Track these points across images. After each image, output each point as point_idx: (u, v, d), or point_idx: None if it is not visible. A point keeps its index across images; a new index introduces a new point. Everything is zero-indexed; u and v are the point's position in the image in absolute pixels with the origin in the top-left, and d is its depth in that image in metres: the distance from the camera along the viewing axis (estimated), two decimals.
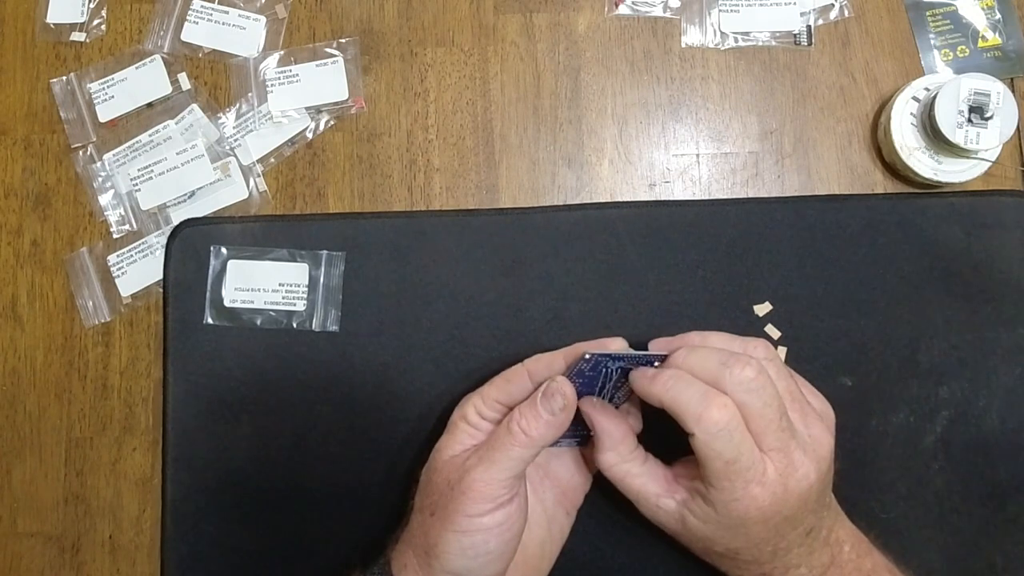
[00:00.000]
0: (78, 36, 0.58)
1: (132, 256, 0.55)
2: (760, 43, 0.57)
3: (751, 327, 0.51)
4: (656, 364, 0.42)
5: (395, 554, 0.43)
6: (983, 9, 0.56)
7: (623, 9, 0.57)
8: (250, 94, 0.57)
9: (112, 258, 0.55)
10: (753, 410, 0.39)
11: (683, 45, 0.57)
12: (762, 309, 0.51)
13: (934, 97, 0.51)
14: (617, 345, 0.43)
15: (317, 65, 0.57)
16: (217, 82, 0.57)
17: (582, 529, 0.50)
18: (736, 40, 0.57)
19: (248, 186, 0.56)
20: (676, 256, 0.52)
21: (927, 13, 0.57)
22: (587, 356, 0.40)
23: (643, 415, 0.45)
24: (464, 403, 0.44)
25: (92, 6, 0.58)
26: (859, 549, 0.43)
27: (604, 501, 0.50)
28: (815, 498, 0.40)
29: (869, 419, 0.50)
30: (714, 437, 0.38)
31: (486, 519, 0.40)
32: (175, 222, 0.55)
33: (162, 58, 0.57)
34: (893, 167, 0.55)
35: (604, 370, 0.42)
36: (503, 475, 0.40)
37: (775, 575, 0.42)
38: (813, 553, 0.42)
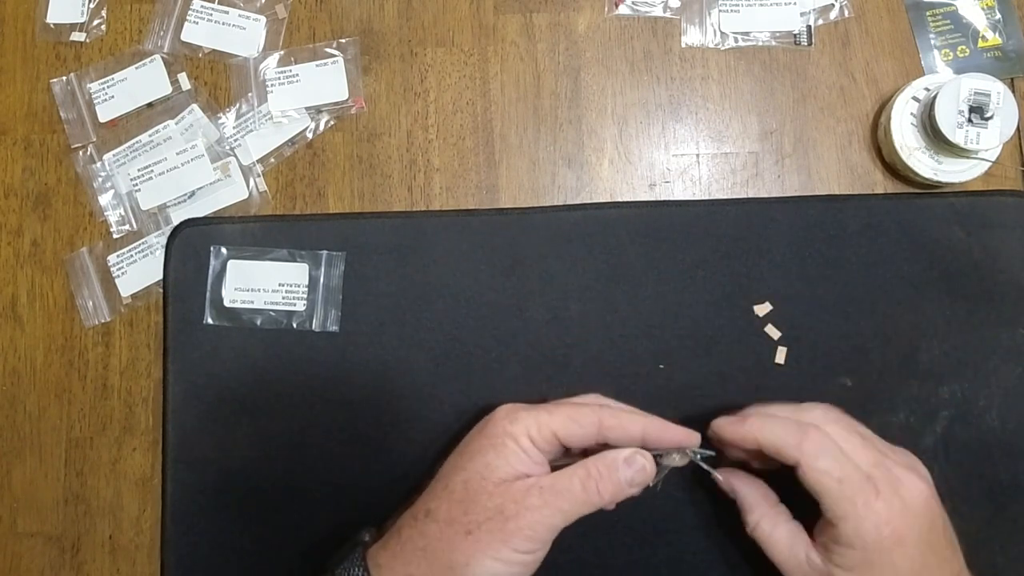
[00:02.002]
0: (78, 36, 0.58)
1: (132, 256, 0.55)
2: (760, 43, 0.57)
3: (751, 327, 0.51)
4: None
5: (380, 555, 0.42)
6: (983, 9, 0.56)
7: (623, 9, 0.57)
8: (250, 94, 0.57)
9: (112, 258, 0.55)
10: (840, 438, 0.41)
11: (683, 45, 0.57)
12: (762, 309, 0.51)
13: (934, 97, 0.51)
14: (693, 441, 0.44)
15: (317, 65, 0.57)
16: (217, 82, 0.57)
17: (582, 530, 0.50)
18: (736, 40, 0.57)
19: (248, 186, 0.56)
20: (676, 256, 0.52)
21: (927, 13, 0.57)
22: (684, 455, 0.43)
23: None
24: (513, 418, 0.43)
25: (92, 6, 0.58)
26: None
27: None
28: (941, 524, 0.41)
29: (869, 419, 0.50)
30: (818, 458, 0.40)
31: (530, 556, 0.40)
32: (175, 222, 0.55)
33: (162, 58, 0.57)
34: (893, 167, 0.55)
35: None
36: (562, 524, 0.41)
37: None
38: None
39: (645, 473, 0.42)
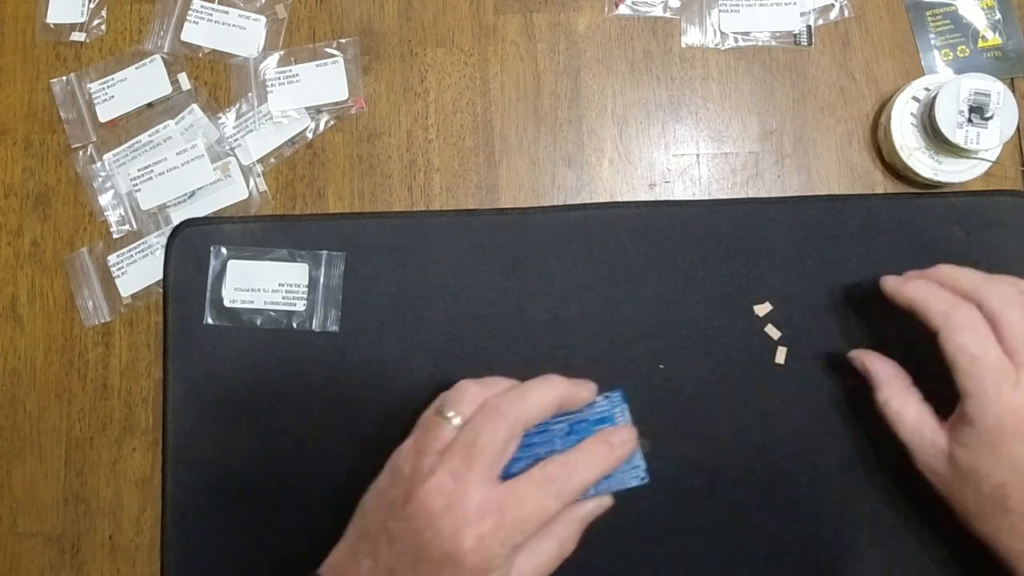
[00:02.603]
0: (78, 36, 0.58)
1: (132, 256, 0.55)
2: (760, 43, 0.57)
3: (751, 327, 0.51)
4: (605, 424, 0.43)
5: None
6: (983, 9, 0.56)
7: (623, 9, 0.57)
8: (250, 94, 0.57)
9: (112, 258, 0.55)
10: (1008, 322, 0.40)
11: (683, 45, 0.57)
12: (762, 309, 0.51)
13: (934, 97, 0.51)
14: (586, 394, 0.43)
15: (317, 65, 0.57)
16: (217, 82, 0.57)
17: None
18: (736, 40, 0.57)
19: (248, 186, 0.56)
20: (676, 256, 0.52)
21: (927, 13, 0.57)
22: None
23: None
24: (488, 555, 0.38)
25: (92, 6, 0.58)
26: None
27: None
28: None
29: (869, 419, 0.50)
30: (958, 330, 0.41)
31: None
32: (175, 222, 0.55)
33: (162, 58, 0.57)
34: (893, 167, 0.55)
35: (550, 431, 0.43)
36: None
37: None
38: None
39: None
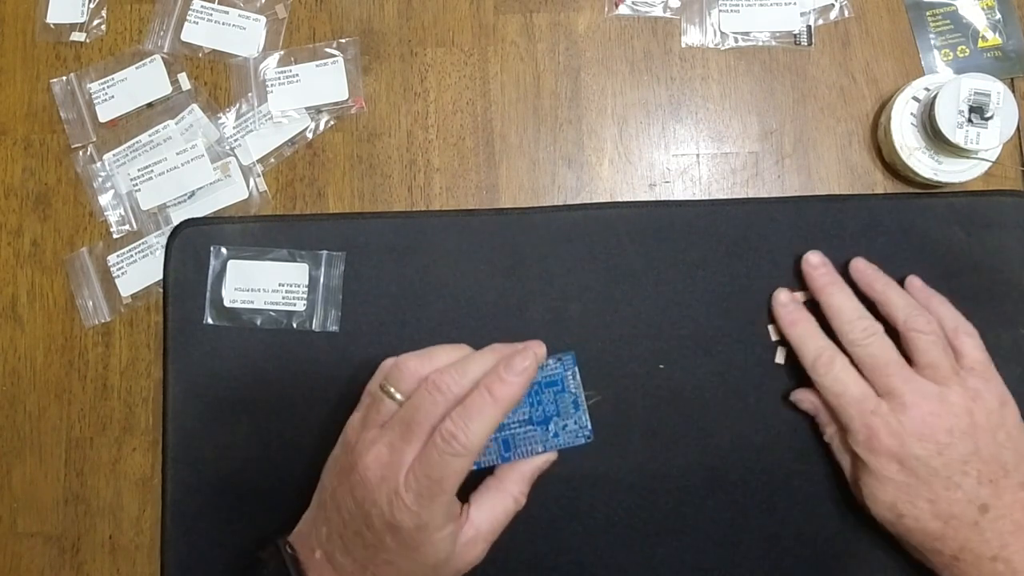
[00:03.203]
0: (78, 36, 0.58)
1: (132, 256, 0.55)
2: (760, 43, 0.57)
3: (751, 327, 0.51)
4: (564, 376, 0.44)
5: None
6: (983, 9, 0.56)
7: (623, 9, 0.57)
8: (250, 94, 0.57)
9: (112, 258, 0.55)
10: (863, 358, 0.46)
11: (683, 45, 0.57)
12: (799, 297, 0.51)
13: (934, 97, 0.51)
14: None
15: (317, 65, 0.57)
16: (217, 82, 0.57)
17: (582, 529, 0.50)
18: (736, 40, 0.57)
19: (248, 186, 0.56)
20: (676, 256, 0.52)
21: (927, 13, 0.57)
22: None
23: None
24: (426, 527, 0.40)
25: (92, 6, 0.58)
26: None
27: (604, 505, 0.50)
28: (960, 456, 0.42)
29: None
30: (822, 376, 0.46)
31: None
32: (175, 222, 0.55)
33: (162, 58, 0.57)
34: (893, 167, 0.55)
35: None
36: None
37: (966, 562, 0.42)
38: (1008, 547, 0.41)
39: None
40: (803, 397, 0.49)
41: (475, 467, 0.43)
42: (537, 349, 0.42)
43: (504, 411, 0.40)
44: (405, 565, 0.40)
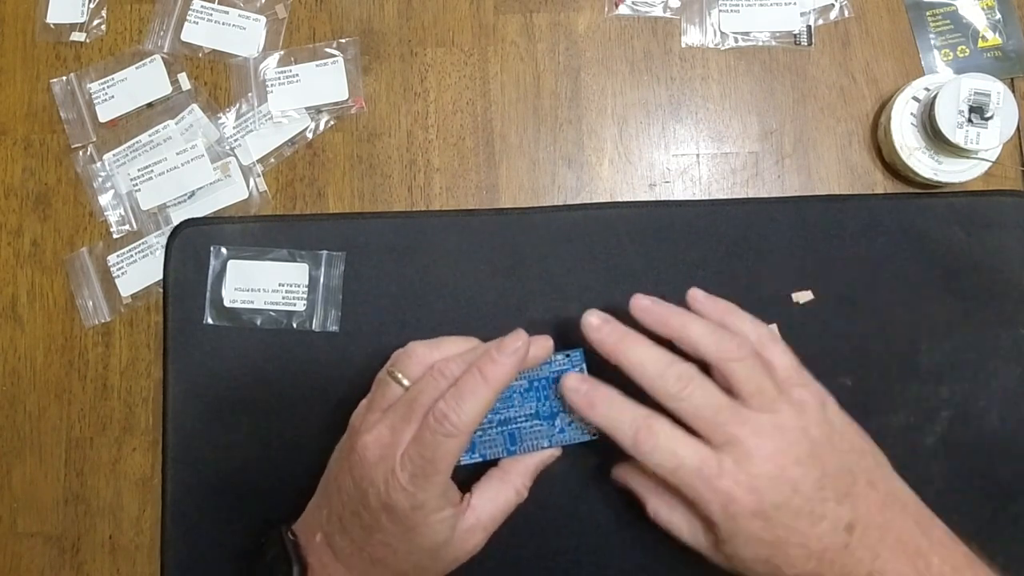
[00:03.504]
0: (78, 36, 0.58)
1: (132, 256, 0.55)
2: (760, 43, 0.57)
3: None
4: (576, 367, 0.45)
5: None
6: (983, 9, 0.56)
7: (623, 9, 0.57)
8: (250, 94, 0.57)
9: (112, 258, 0.55)
10: (689, 413, 0.40)
11: (683, 45, 0.57)
12: (803, 296, 0.51)
13: (934, 97, 0.51)
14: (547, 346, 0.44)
15: (317, 65, 0.57)
16: (217, 82, 0.57)
17: (581, 530, 0.50)
18: (736, 40, 0.57)
19: (248, 186, 0.56)
20: (676, 256, 0.52)
21: (927, 13, 0.57)
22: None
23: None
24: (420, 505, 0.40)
25: (92, 6, 0.58)
26: (954, 562, 0.40)
27: (603, 504, 0.50)
28: (814, 480, 0.39)
29: (869, 419, 0.50)
30: (647, 454, 0.40)
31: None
32: (175, 222, 0.55)
33: (162, 58, 0.57)
34: (893, 167, 0.55)
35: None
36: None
37: None
38: (879, 557, 0.39)
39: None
40: (627, 477, 0.44)
41: (481, 459, 0.44)
42: (544, 342, 0.43)
43: (495, 391, 0.40)
44: (402, 547, 0.40)
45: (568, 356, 0.45)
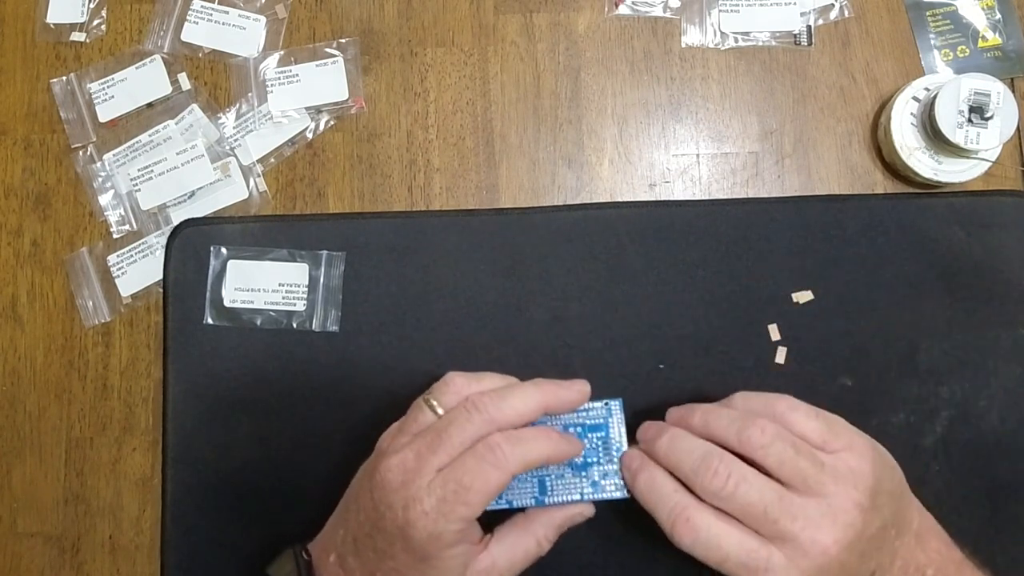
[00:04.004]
0: (78, 36, 0.58)
1: (132, 256, 0.55)
2: (760, 43, 0.57)
3: (751, 327, 0.51)
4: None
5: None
6: (983, 9, 0.56)
7: (623, 9, 0.57)
8: (250, 94, 0.57)
9: (112, 258, 0.55)
10: (736, 511, 0.38)
11: (683, 45, 0.57)
12: (803, 296, 0.51)
13: (934, 97, 0.51)
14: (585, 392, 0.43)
15: (317, 65, 0.57)
16: (217, 82, 0.57)
17: (581, 530, 0.50)
18: (736, 40, 0.57)
19: (248, 186, 0.56)
20: (676, 256, 0.52)
21: (927, 13, 0.57)
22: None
23: None
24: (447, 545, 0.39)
25: (92, 6, 0.58)
26: (945, 572, 0.40)
27: (604, 505, 0.50)
28: (857, 557, 0.38)
29: (869, 419, 0.50)
30: (690, 548, 0.38)
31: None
32: (175, 222, 0.55)
33: (162, 58, 0.57)
34: (893, 167, 0.55)
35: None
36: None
37: None
38: None
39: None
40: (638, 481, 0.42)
41: (507, 505, 0.42)
42: (581, 387, 0.42)
43: (544, 461, 0.40)
44: (410, 574, 0.39)
45: (607, 405, 0.43)
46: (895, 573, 0.40)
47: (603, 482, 0.43)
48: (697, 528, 0.38)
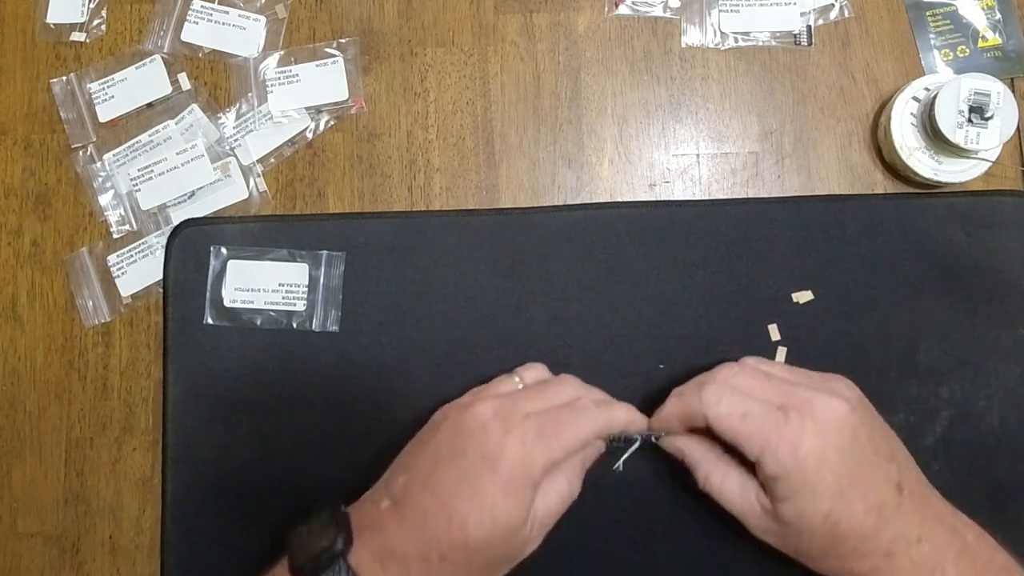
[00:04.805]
0: (78, 36, 0.58)
1: (132, 256, 0.55)
2: (760, 43, 0.57)
3: (751, 327, 0.51)
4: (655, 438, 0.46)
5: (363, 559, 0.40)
6: (983, 9, 0.56)
7: (623, 9, 0.57)
8: (250, 94, 0.57)
9: (112, 258, 0.55)
10: (743, 384, 0.42)
11: (683, 45, 0.57)
12: (803, 296, 0.51)
13: (934, 97, 0.51)
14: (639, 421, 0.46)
15: (317, 65, 0.57)
16: (217, 82, 0.57)
17: (582, 530, 0.50)
18: (736, 40, 0.57)
19: (248, 186, 0.56)
20: (676, 256, 0.52)
21: (927, 13, 0.57)
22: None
23: None
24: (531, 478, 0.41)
25: (92, 6, 0.58)
26: (986, 542, 0.41)
27: (604, 505, 0.50)
28: (867, 436, 0.41)
29: None
30: (718, 404, 0.42)
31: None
32: (175, 222, 0.55)
33: (162, 58, 0.57)
34: (893, 167, 0.55)
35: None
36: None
37: (898, 553, 0.40)
38: (926, 522, 0.40)
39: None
40: (679, 444, 0.45)
41: None
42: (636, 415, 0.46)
43: (622, 427, 0.44)
44: (488, 504, 0.39)
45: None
46: (931, 518, 0.41)
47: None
48: (723, 389, 0.42)
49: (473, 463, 0.40)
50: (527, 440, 0.40)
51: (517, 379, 0.46)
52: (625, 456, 0.46)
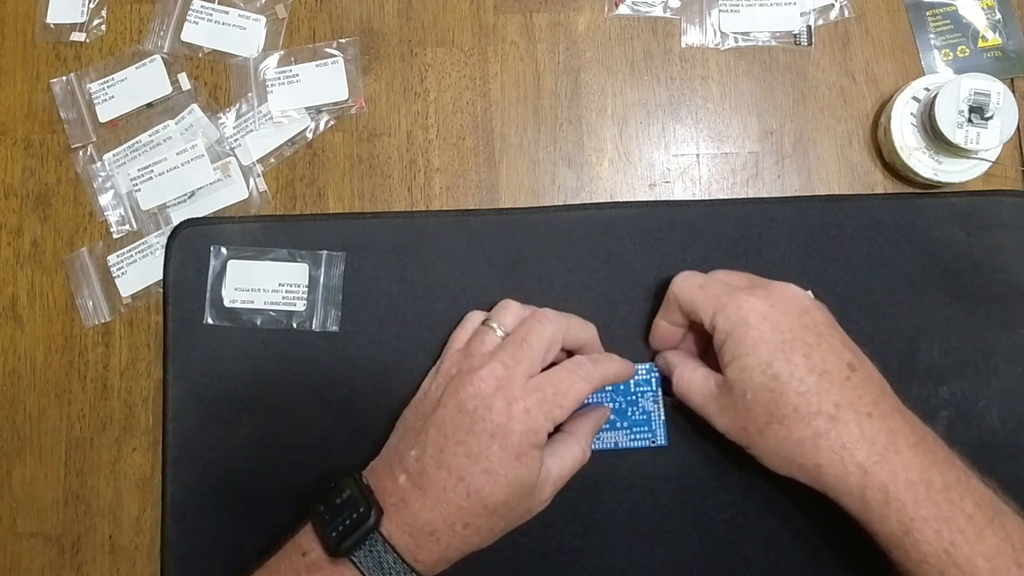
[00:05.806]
0: (78, 36, 0.58)
1: (132, 256, 0.55)
2: (760, 43, 0.57)
3: None
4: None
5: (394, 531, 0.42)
6: (983, 9, 0.56)
7: (623, 9, 0.57)
8: (250, 94, 0.57)
9: (112, 258, 0.55)
10: (720, 275, 0.47)
11: (683, 45, 0.57)
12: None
13: (934, 97, 0.51)
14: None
15: (317, 65, 0.57)
16: (217, 82, 0.57)
17: (581, 530, 0.50)
18: (736, 40, 0.57)
19: (248, 186, 0.56)
20: (676, 256, 0.52)
21: (927, 13, 0.57)
22: None
23: None
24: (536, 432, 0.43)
25: (92, 6, 0.58)
26: (951, 452, 0.42)
27: (604, 505, 0.50)
28: (823, 320, 0.43)
29: None
30: (684, 279, 0.47)
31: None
32: (175, 222, 0.55)
33: (162, 58, 0.57)
34: (893, 167, 0.55)
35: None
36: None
37: (844, 420, 0.40)
38: (879, 406, 0.41)
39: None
40: (664, 357, 0.49)
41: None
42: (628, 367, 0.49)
43: (614, 379, 0.47)
44: (503, 474, 0.42)
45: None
46: (889, 412, 0.41)
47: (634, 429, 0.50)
48: (689, 272, 0.47)
49: (482, 440, 0.42)
50: (531, 410, 0.42)
51: (497, 327, 0.46)
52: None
